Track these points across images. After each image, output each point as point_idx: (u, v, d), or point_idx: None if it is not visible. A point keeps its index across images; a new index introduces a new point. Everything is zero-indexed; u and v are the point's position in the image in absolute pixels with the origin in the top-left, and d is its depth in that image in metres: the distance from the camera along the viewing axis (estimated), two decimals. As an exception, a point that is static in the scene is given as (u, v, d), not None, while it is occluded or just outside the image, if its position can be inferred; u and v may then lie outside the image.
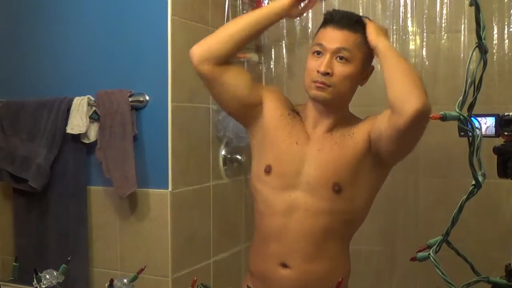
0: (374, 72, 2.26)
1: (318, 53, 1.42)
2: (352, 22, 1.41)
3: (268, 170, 1.48)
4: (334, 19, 1.41)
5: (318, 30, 1.47)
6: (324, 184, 1.42)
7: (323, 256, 1.46)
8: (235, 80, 1.53)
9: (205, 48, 1.51)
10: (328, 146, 1.46)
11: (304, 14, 2.31)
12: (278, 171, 1.47)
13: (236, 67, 1.59)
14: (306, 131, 1.50)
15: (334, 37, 1.39)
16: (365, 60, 1.44)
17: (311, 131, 1.49)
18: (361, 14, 2.23)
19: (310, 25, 2.32)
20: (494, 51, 2.05)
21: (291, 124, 1.51)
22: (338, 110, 1.49)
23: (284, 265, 1.44)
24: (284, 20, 2.30)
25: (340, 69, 1.39)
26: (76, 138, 2.05)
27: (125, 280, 1.43)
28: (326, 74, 1.38)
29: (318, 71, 1.39)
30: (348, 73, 1.40)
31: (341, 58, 1.39)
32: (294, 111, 1.55)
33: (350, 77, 1.41)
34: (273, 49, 2.37)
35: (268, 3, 2.26)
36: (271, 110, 1.53)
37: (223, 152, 2.30)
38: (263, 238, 1.49)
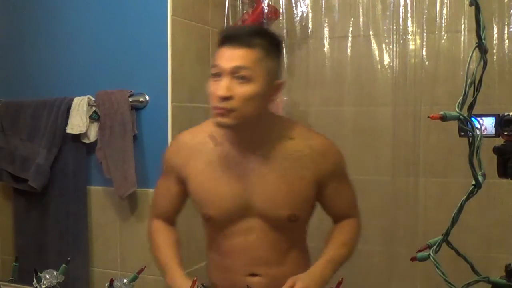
0: (374, 72, 2.29)
1: (216, 75, 1.28)
2: (248, 38, 1.26)
3: (209, 218, 1.43)
4: (228, 37, 1.29)
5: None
6: (279, 217, 1.38)
7: (289, 262, 1.46)
8: (176, 200, 1.51)
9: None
10: (271, 176, 1.36)
11: (304, 15, 2.33)
12: (219, 218, 1.41)
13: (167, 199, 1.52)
14: (236, 161, 1.37)
15: (230, 56, 1.25)
16: (269, 76, 1.28)
17: (241, 159, 1.37)
18: (361, 14, 2.25)
19: (310, 25, 2.32)
20: (494, 51, 2.05)
21: (215, 167, 1.39)
22: (256, 129, 1.34)
23: (253, 274, 1.42)
24: (284, 20, 2.30)
25: (241, 90, 1.24)
26: (76, 138, 2.05)
27: (125, 280, 1.43)
28: (226, 98, 1.24)
29: (217, 96, 1.26)
30: (250, 93, 1.25)
31: (240, 77, 1.24)
32: (212, 141, 1.42)
33: (253, 97, 1.25)
34: (273, 49, 2.37)
35: (268, 3, 2.26)
36: (194, 170, 1.42)
37: (223, 152, 2.29)
38: (224, 254, 1.45)
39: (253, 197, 1.37)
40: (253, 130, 1.34)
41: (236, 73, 1.25)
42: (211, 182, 1.39)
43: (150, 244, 1.52)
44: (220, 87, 1.25)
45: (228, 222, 1.41)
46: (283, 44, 1.39)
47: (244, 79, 1.25)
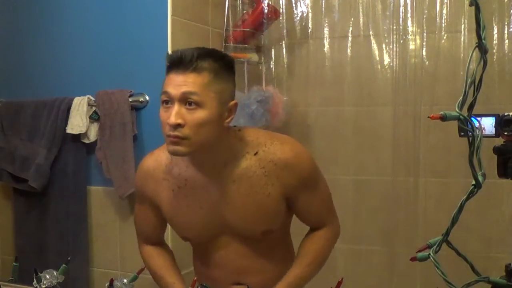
0: (374, 72, 2.29)
1: (167, 102, 1.25)
2: (195, 62, 1.22)
3: (186, 239, 1.46)
4: (174, 62, 1.25)
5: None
6: (252, 234, 1.38)
7: (274, 263, 1.46)
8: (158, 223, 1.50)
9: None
10: (239, 196, 1.33)
11: (304, 15, 2.33)
12: (196, 239, 1.45)
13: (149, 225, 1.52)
14: (203, 184, 1.35)
15: (178, 82, 1.22)
16: (221, 99, 1.24)
17: (208, 181, 1.34)
18: (361, 14, 2.25)
19: (310, 25, 2.32)
20: (494, 51, 2.05)
21: (184, 193, 1.36)
22: (216, 151, 1.31)
23: (238, 283, 1.42)
24: (284, 20, 2.30)
25: (191, 117, 1.21)
26: (76, 138, 2.05)
27: (125, 280, 1.43)
28: (177, 126, 1.21)
29: (168, 124, 1.23)
30: (202, 119, 1.21)
31: (190, 103, 1.21)
32: (175, 165, 1.38)
33: (205, 123, 1.21)
34: (273, 49, 2.37)
35: (268, 3, 2.26)
36: (164, 198, 1.40)
37: (223, 152, 2.29)
38: (208, 266, 1.46)
39: (225, 217, 1.36)
40: (214, 153, 1.30)
41: (185, 100, 1.22)
42: (182, 209, 1.38)
43: (149, 272, 1.52)
44: (171, 114, 1.22)
45: (205, 241, 1.42)
46: (234, 64, 1.33)
47: (194, 105, 1.21)
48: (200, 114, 1.21)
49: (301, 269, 1.39)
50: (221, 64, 1.26)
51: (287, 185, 1.33)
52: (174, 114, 1.22)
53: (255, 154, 1.32)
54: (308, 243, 1.43)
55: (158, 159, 1.41)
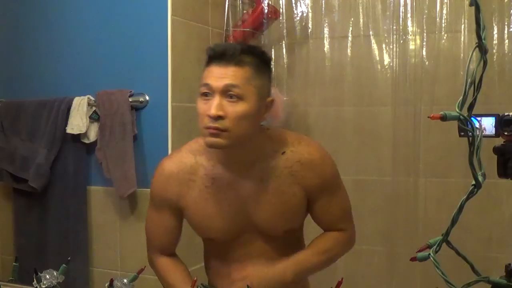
0: (374, 72, 2.29)
1: (206, 94, 1.24)
2: (238, 55, 1.23)
3: (210, 240, 1.44)
4: (216, 55, 1.24)
5: (203, 69, 1.30)
6: (276, 233, 1.40)
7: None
8: (175, 230, 1.46)
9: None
10: (266, 195, 1.34)
11: (304, 15, 2.33)
12: (221, 238, 1.41)
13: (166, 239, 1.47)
14: (230, 183, 1.34)
15: (220, 75, 1.22)
16: (260, 94, 1.25)
17: (235, 180, 1.34)
18: (361, 14, 2.25)
19: (310, 25, 2.32)
20: (494, 51, 2.05)
21: (211, 193, 1.35)
22: (248, 148, 1.31)
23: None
24: (284, 20, 2.30)
25: (232, 109, 1.21)
26: (76, 138, 2.05)
27: (125, 280, 1.43)
28: (218, 117, 1.21)
29: (209, 115, 1.21)
30: (242, 112, 1.22)
31: (231, 96, 1.22)
32: (202, 164, 1.36)
33: (246, 116, 1.22)
34: (273, 49, 2.37)
35: (268, 3, 2.26)
36: (190, 200, 1.37)
37: (223, 152, 2.30)
38: (226, 263, 1.45)
39: (251, 216, 1.37)
40: (245, 150, 1.31)
41: (227, 92, 1.22)
42: (209, 209, 1.37)
43: (164, 285, 1.46)
44: (212, 106, 1.21)
45: (229, 240, 1.41)
46: (271, 62, 1.35)
47: (236, 98, 1.22)
48: (241, 107, 1.22)
49: (310, 255, 1.39)
50: (261, 60, 1.28)
51: (310, 186, 1.35)
52: (215, 106, 1.21)
53: (282, 154, 1.34)
54: (323, 235, 1.44)
55: (182, 160, 1.38)
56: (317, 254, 1.40)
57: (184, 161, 1.38)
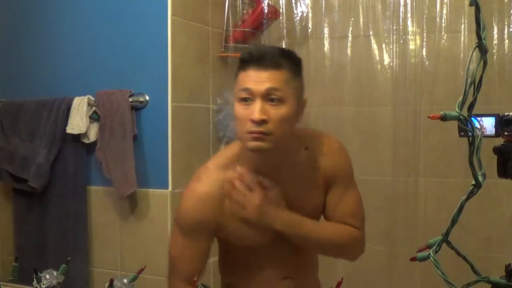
0: (374, 72, 2.29)
1: (246, 99, 1.23)
2: (276, 59, 1.23)
3: (245, 247, 1.40)
4: (254, 59, 1.24)
5: (236, 74, 1.29)
6: None
7: (309, 261, 1.49)
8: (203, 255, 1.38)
9: None
10: (296, 190, 1.34)
11: (304, 15, 2.33)
12: (254, 244, 1.38)
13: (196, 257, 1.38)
14: (261, 187, 1.32)
15: (260, 79, 1.22)
16: (297, 95, 1.27)
17: (267, 183, 1.32)
18: (361, 14, 2.25)
19: (310, 25, 2.32)
20: (494, 51, 2.05)
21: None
22: (283, 150, 1.30)
23: (286, 277, 1.43)
24: (284, 20, 2.30)
25: (275, 112, 1.21)
26: (76, 138, 2.05)
27: (125, 280, 1.43)
28: (262, 122, 1.20)
29: (252, 120, 1.21)
30: (284, 115, 1.22)
31: (273, 100, 1.22)
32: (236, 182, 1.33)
33: (287, 119, 1.24)
34: (273, 49, 2.37)
35: (268, 3, 2.26)
36: (228, 215, 1.33)
37: (223, 152, 2.30)
38: (256, 266, 1.43)
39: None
40: (278, 151, 1.29)
41: (269, 96, 1.22)
42: (247, 219, 1.33)
43: None
44: (255, 110, 1.21)
45: (265, 244, 1.39)
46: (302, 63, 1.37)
47: (277, 101, 1.22)
48: (282, 110, 1.23)
49: (321, 225, 1.39)
50: (295, 62, 1.30)
51: (329, 175, 1.37)
52: (258, 110, 1.21)
53: (305, 149, 1.36)
54: (333, 223, 1.41)
55: (212, 178, 1.34)
56: (330, 226, 1.39)
57: (215, 178, 1.34)
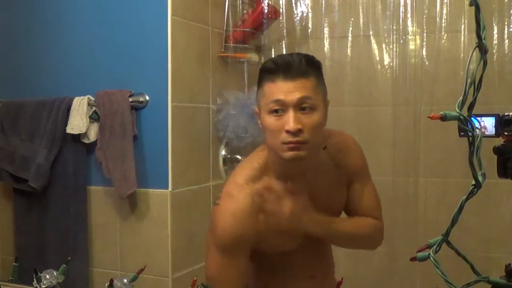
0: (374, 72, 2.29)
1: (277, 111, 1.23)
2: (302, 67, 1.23)
3: (277, 252, 1.40)
4: (280, 69, 1.23)
5: (261, 85, 1.28)
6: None
7: (329, 258, 1.53)
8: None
9: None
10: (322, 191, 1.37)
11: (304, 15, 2.33)
12: (285, 249, 1.39)
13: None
14: (293, 192, 1.33)
15: (291, 89, 1.22)
16: (324, 100, 1.30)
17: (293, 190, 1.33)
18: (361, 14, 2.25)
19: (310, 25, 2.32)
20: (494, 51, 2.05)
21: (281, 211, 1.32)
22: (313, 155, 1.31)
23: (311, 276, 1.46)
24: (284, 20, 2.30)
25: (309, 121, 1.22)
26: (76, 138, 2.05)
27: (125, 280, 1.43)
28: (298, 131, 1.21)
29: (287, 131, 1.21)
30: (317, 122, 1.24)
31: (304, 108, 1.23)
32: (263, 190, 1.32)
33: (320, 125, 1.26)
34: (273, 49, 2.37)
35: (268, 3, 2.26)
36: (264, 227, 1.31)
37: (223, 152, 2.30)
38: (283, 268, 1.44)
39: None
40: (312, 158, 1.30)
41: (300, 105, 1.22)
42: (281, 227, 1.32)
43: None
44: (290, 121, 1.21)
45: (290, 248, 1.40)
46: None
47: (309, 109, 1.23)
48: (315, 117, 1.25)
49: (348, 220, 1.43)
50: (318, 67, 1.30)
51: (350, 170, 1.40)
52: (293, 120, 1.21)
53: (324, 148, 1.38)
54: (360, 217, 1.44)
55: (246, 192, 1.31)
56: (354, 221, 1.43)
57: (247, 192, 1.31)
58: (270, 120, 1.24)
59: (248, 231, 1.30)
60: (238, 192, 1.31)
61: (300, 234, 1.35)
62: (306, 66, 1.25)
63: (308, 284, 1.45)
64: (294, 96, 1.21)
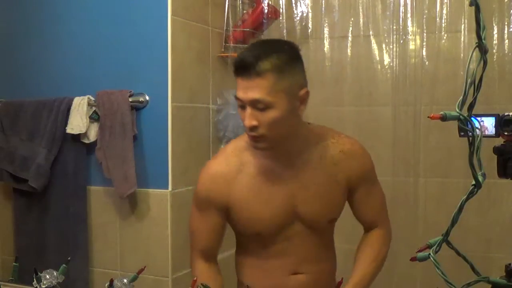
0: (374, 72, 2.29)
1: (241, 106, 1.28)
2: (255, 65, 1.22)
3: (256, 235, 1.43)
4: (238, 67, 1.26)
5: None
6: (321, 222, 1.44)
7: (325, 258, 1.52)
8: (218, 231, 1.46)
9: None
10: (311, 183, 1.38)
11: (304, 15, 2.32)
12: (266, 231, 1.42)
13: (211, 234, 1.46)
14: (277, 175, 1.38)
15: (245, 88, 1.24)
16: (290, 93, 1.26)
17: (281, 171, 1.38)
18: (361, 14, 2.24)
19: (310, 25, 2.32)
20: (494, 51, 2.05)
21: (259, 187, 1.38)
22: (292, 141, 1.36)
23: (296, 273, 1.45)
24: (284, 20, 2.30)
25: (264, 118, 1.25)
26: (76, 138, 2.05)
27: (125, 280, 1.43)
28: (253, 127, 1.26)
29: (245, 126, 1.28)
30: (274, 118, 1.25)
31: (260, 108, 1.25)
32: (247, 161, 1.40)
33: (278, 121, 1.26)
34: (273, 49, 2.37)
35: (268, 3, 2.26)
36: (238, 197, 1.39)
37: (223, 152, 2.30)
38: (266, 258, 1.46)
39: (297, 206, 1.40)
40: (290, 143, 1.35)
41: (255, 104, 1.25)
42: (257, 203, 1.39)
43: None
44: (246, 117, 1.26)
45: (275, 233, 1.42)
46: (299, 50, 1.35)
47: (264, 107, 1.24)
48: (271, 114, 1.25)
49: (366, 267, 1.45)
50: (285, 57, 1.28)
51: (352, 175, 1.41)
52: (247, 117, 1.26)
53: (326, 145, 1.40)
54: (368, 240, 1.49)
55: (227, 159, 1.41)
56: (369, 264, 1.46)
57: (230, 159, 1.41)
58: (239, 113, 1.30)
59: (218, 193, 1.39)
60: (222, 157, 1.42)
61: (279, 213, 1.38)
62: (261, 64, 1.23)
63: (291, 281, 1.43)
64: (248, 96, 1.25)
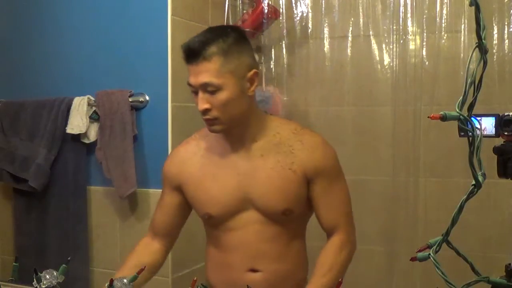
0: (374, 72, 2.29)
1: (193, 92, 1.35)
2: (202, 50, 1.29)
3: (208, 217, 1.44)
4: (186, 53, 1.33)
5: None
6: (274, 211, 1.40)
7: (289, 258, 1.46)
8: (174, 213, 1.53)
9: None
10: (264, 169, 1.38)
11: (304, 15, 2.32)
12: (218, 215, 1.43)
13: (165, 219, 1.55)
14: (230, 159, 1.41)
15: (195, 73, 1.31)
16: (238, 75, 1.31)
17: (234, 156, 1.41)
18: (361, 14, 2.25)
19: (310, 25, 2.32)
20: (494, 51, 2.05)
21: (210, 168, 1.43)
22: (245, 124, 1.39)
23: (253, 270, 1.43)
24: (284, 20, 2.30)
25: (215, 100, 1.30)
26: (76, 138, 2.05)
27: (125, 280, 1.43)
28: (205, 110, 1.32)
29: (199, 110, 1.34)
30: (224, 100, 1.30)
31: (210, 91, 1.30)
32: (204, 145, 1.46)
33: (229, 102, 1.31)
34: (273, 49, 2.37)
35: (268, 3, 2.26)
36: (189, 175, 1.45)
37: (223, 152, 2.30)
38: (223, 249, 1.46)
39: (249, 191, 1.39)
40: (244, 128, 1.39)
41: (205, 88, 1.30)
42: (207, 183, 1.42)
43: None
44: (198, 101, 1.32)
45: (227, 218, 1.43)
46: (244, 33, 1.42)
47: (214, 89, 1.30)
48: (221, 96, 1.30)
49: (317, 282, 1.36)
50: (230, 41, 1.32)
51: (310, 167, 1.39)
52: (200, 101, 1.32)
53: (284, 134, 1.41)
54: (322, 254, 1.42)
55: (188, 141, 1.51)
56: (324, 275, 1.37)
57: (190, 142, 1.50)
58: (194, 98, 1.35)
59: (172, 170, 1.49)
60: (187, 140, 1.52)
61: (222, 191, 1.41)
62: (207, 48, 1.29)
63: (247, 278, 1.40)
64: (198, 80, 1.31)
